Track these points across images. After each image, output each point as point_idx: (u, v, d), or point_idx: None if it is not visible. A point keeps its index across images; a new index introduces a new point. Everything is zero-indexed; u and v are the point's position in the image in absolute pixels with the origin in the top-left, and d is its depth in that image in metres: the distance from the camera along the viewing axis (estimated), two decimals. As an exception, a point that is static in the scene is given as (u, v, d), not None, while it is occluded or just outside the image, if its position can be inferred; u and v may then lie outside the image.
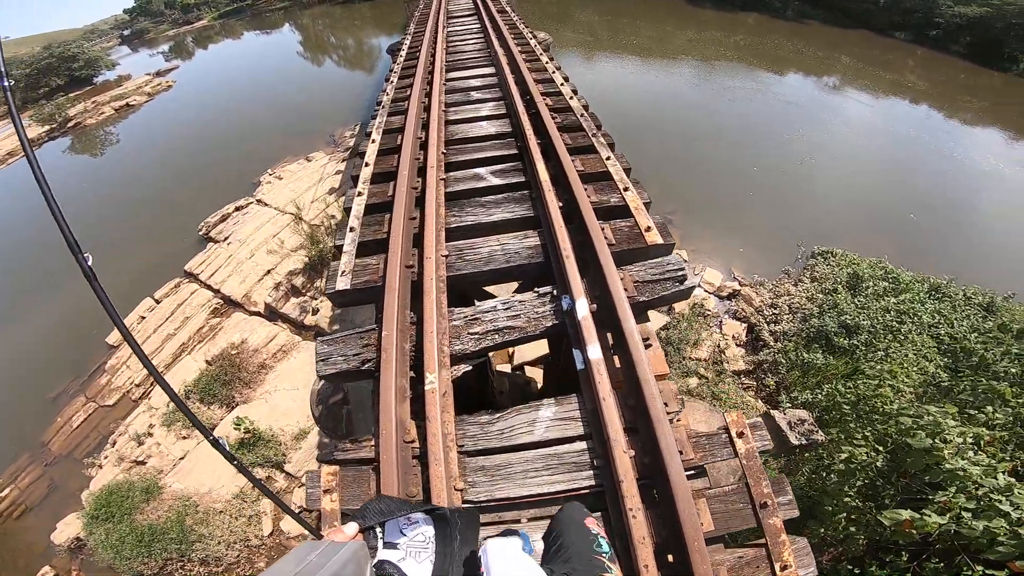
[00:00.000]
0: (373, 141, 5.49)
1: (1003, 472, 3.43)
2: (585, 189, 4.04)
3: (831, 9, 28.05)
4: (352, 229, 3.95)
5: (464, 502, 2.51)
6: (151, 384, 9.26)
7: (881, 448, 4.30)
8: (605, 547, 1.70)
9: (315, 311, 9.72)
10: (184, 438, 8.02)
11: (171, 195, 15.99)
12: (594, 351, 2.75)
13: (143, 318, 10.76)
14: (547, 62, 7.90)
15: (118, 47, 49.56)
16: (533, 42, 9.35)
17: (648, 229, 3.60)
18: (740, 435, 2.52)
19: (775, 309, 9.10)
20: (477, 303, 3.35)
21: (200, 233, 13.14)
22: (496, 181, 4.69)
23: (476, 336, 3.13)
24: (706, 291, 9.79)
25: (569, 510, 2.06)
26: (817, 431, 6.27)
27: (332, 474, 2.59)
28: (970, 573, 3.30)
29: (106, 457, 8.08)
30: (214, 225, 13.20)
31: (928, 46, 24.24)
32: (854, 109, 18.00)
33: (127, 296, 11.19)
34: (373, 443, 2.68)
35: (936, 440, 3.70)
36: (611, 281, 3.01)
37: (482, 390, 5.16)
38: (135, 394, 9.17)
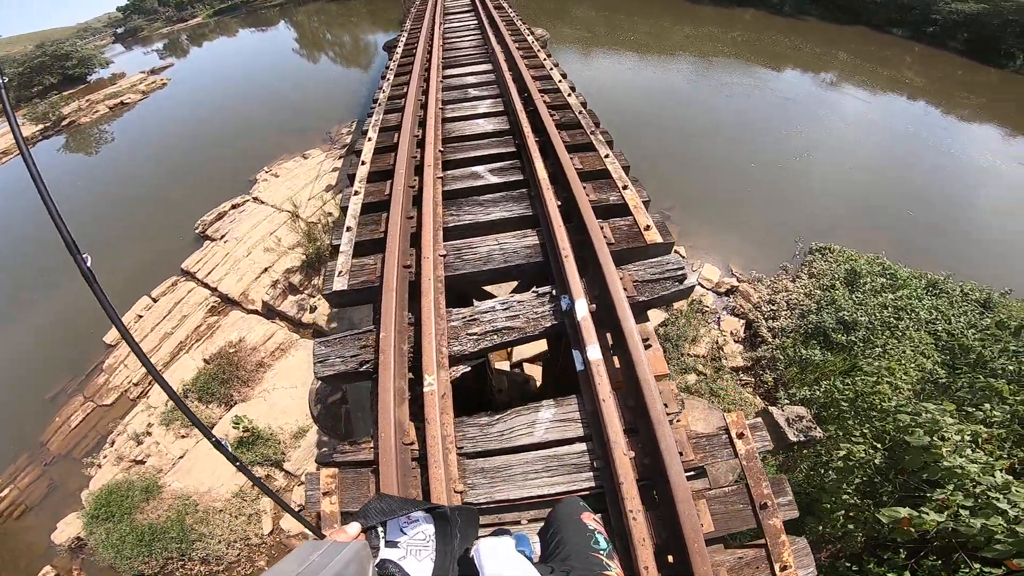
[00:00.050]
0: (369, 139, 5.45)
1: (1001, 470, 3.44)
2: (584, 187, 4.01)
3: (828, 5, 27.98)
4: (349, 229, 3.93)
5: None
6: (149, 383, 9.24)
7: (879, 445, 4.32)
8: (603, 543, 1.70)
9: (313, 309, 9.71)
10: (183, 437, 8.01)
11: (167, 193, 15.92)
12: (594, 352, 2.74)
13: (140, 317, 10.72)
14: (544, 59, 7.85)
15: (112, 45, 49.31)
16: (531, 39, 9.30)
17: (647, 228, 3.59)
18: (740, 436, 2.52)
19: (773, 305, 9.12)
20: (476, 303, 3.34)
21: (196, 231, 13.09)
22: (494, 179, 4.66)
23: (475, 337, 3.12)
24: (704, 287, 9.80)
25: (566, 506, 2.05)
26: (815, 428, 6.30)
27: (331, 476, 2.58)
28: (967, 571, 3.33)
29: (105, 456, 8.07)
30: (211, 223, 13.15)
31: (925, 42, 24.23)
32: (851, 105, 17.99)
33: (124, 295, 11.15)
34: (372, 445, 2.67)
35: (934, 438, 3.71)
36: (610, 281, 3.00)
37: (481, 389, 5.16)
38: (133, 393, 9.16)
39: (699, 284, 9.83)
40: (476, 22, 11.99)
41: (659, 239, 3.50)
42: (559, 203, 3.89)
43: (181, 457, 7.71)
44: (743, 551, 2.32)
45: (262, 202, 13.49)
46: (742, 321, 9.05)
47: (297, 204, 12.37)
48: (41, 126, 23.58)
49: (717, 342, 8.54)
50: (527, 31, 10.24)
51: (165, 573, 6.59)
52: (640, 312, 3.14)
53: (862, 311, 7.98)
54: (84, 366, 10.04)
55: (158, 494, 7.23)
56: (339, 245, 3.80)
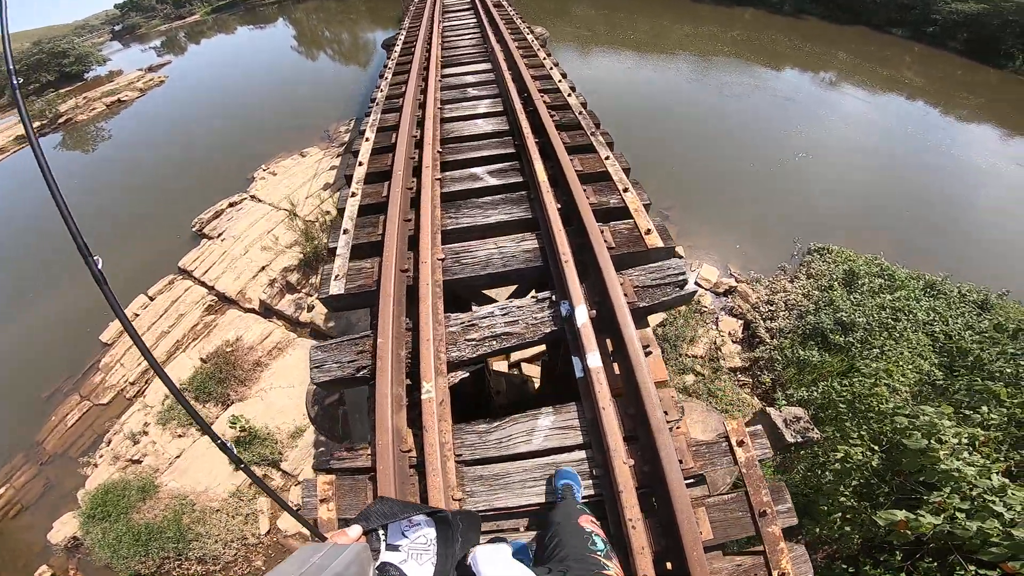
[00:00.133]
0: (367, 139, 5.41)
1: (997, 473, 3.45)
2: (584, 190, 3.98)
3: (828, 4, 27.93)
4: (346, 231, 3.89)
5: (462, 511, 2.49)
6: (146, 382, 9.22)
7: (876, 448, 4.31)
8: (600, 544, 1.71)
9: (310, 308, 9.68)
10: (180, 436, 7.98)
11: (164, 191, 15.84)
12: (593, 359, 2.73)
13: (137, 315, 10.67)
14: (544, 58, 7.82)
15: (109, 42, 49.06)
16: (530, 37, 9.28)
17: (648, 232, 3.56)
18: (740, 443, 2.51)
19: (771, 306, 9.11)
20: (474, 308, 3.32)
21: (193, 229, 13.01)
22: (493, 181, 4.62)
23: (473, 343, 3.10)
24: (703, 288, 9.79)
25: (563, 509, 2.07)
26: (812, 429, 6.33)
27: (328, 483, 2.56)
28: (963, 573, 3.32)
29: (101, 456, 8.04)
30: (208, 221, 13.08)
31: (925, 42, 24.22)
32: (851, 105, 17.98)
33: (120, 293, 10.88)
34: (369, 452, 2.65)
35: (932, 441, 3.71)
36: (611, 287, 2.98)
37: (479, 391, 5.14)
38: (130, 392, 9.12)
39: (697, 284, 9.82)
40: (475, 20, 11.95)
41: (660, 243, 3.48)
42: (559, 206, 3.86)
43: (178, 456, 7.69)
44: (741, 558, 2.32)
45: (260, 200, 13.43)
46: (740, 322, 9.04)
47: (295, 202, 12.32)
48: (38, 123, 23.39)
49: (715, 343, 8.53)
50: (526, 29, 10.21)
51: (162, 573, 6.56)
52: (640, 318, 3.13)
53: (860, 312, 7.98)
54: (80, 365, 9.99)
55: (154, 494, 7.21)
56: (336, 248, 3.77)
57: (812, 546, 4.72)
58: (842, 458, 4.37)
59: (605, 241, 3.42)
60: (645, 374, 2.57)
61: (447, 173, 4.82)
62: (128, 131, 22.65)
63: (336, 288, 3.44)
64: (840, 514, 4.25)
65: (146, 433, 8.09)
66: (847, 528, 4.17)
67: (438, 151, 5.13)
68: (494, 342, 3.10)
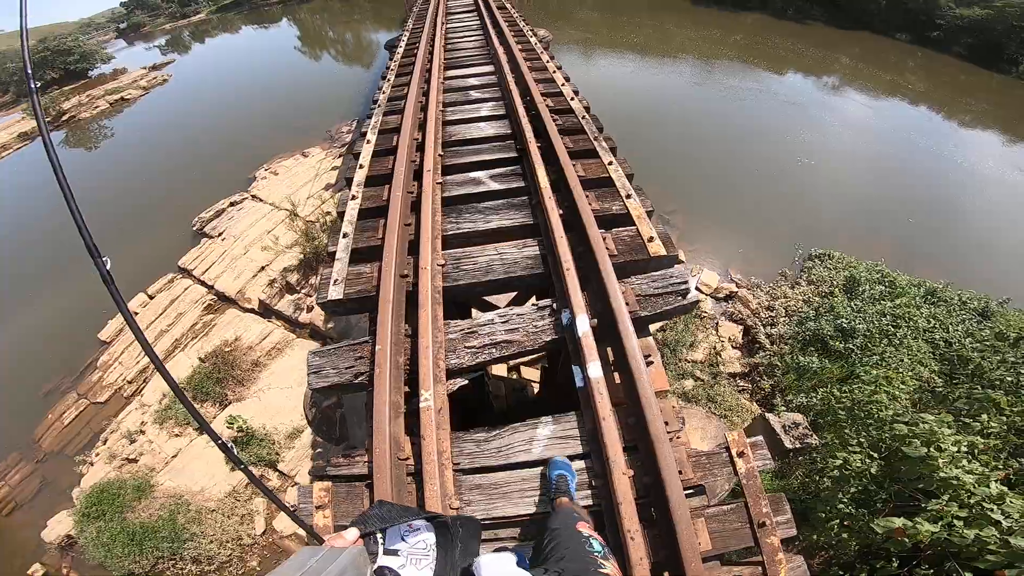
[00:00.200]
0: (368, 142, 5.38)
1: (995, 481, 3.45)
2: (586, 196, 3.94)
3: (832, 9, 27.97)
4: (345, 235, 3.85)
5: (459, 520, 2.47)
6: (144, 381, 9.20)
7: (875, 455, 4.30)
8: (597, 547, 1.72)
9: (310, 308, 9.66)
10: (176, 436, 7.96)
11: (165, 189, 15.87)
12: (594, 369, 2.70)
13: (136, 313, 10.65)
14: (547, 61, 7.80)
15: (114, 41, 49.22)
16: (534, 40, 9.27)
17: (651, 239, 3.53)
18: (741, 454, 2.49)
19: (771, 312, 9.10)
20: (474, 315, 3.30)
21: (194, 228, 13.02)
22: (495, 186, 4.59)
23: (473, 350, 3.07)
24: (703, 293, 9.77)
25: (560, 516, 2.07)
26: (811, 435, 6.33)
27: (324, 490, 2.53)
28: (959, 581, 3.31)
29: (97, 454, 8.01)
30: (208, 220, 13.08)
31: (929, 47, 24.24)
32: (854, 110, 17.99)
33: (121, 290, 11.03)
34: (366, 459, 2.63)
35: (931, 449, 3.70)
36: (613, 296, 2.95)
37: (478, 396, 5.13)
38: (127, 391, 9.10)
39: (698, 289, 9.81)
40: (479, 22, 11.94)
41: (663, 252, 3.44)
42: (561, 212, 3.83)
43: (174, 456, 7.66)
44: (739, 569, 2.30)
45: (261, 200, 13.43)
46: (740, 327, 9.02)
47: (296, 203, 12.30)
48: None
49: (715, 348, 8.51)
50: (530, 32, 10.21)
51: (155, 572, 6.55)
52: (642, 327, 3.10)
53: (860, 319, 7.97)
54: (79, 362, 9.98)
55: (150, 493, 7.19)
56: (335, 252, 3.73)
57: (809, 552, 4.71)
58: (841, 465, 4.37)
59: (607, 248, 3.38)
60: (646, 385, 2.55)
61: (448, 177, 4.79)
62: (131, 129, 22.69)
63: (335, 293, 3.41)
64: (838, 521, 4.24)
65: (143, 432, 8.07)
66: (844, 535, 4.16)
67: (439, 154, 5.10)
68: (494, 350, 3.07)
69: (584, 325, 2.90)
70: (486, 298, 4.28)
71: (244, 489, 7.21)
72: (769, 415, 6.70)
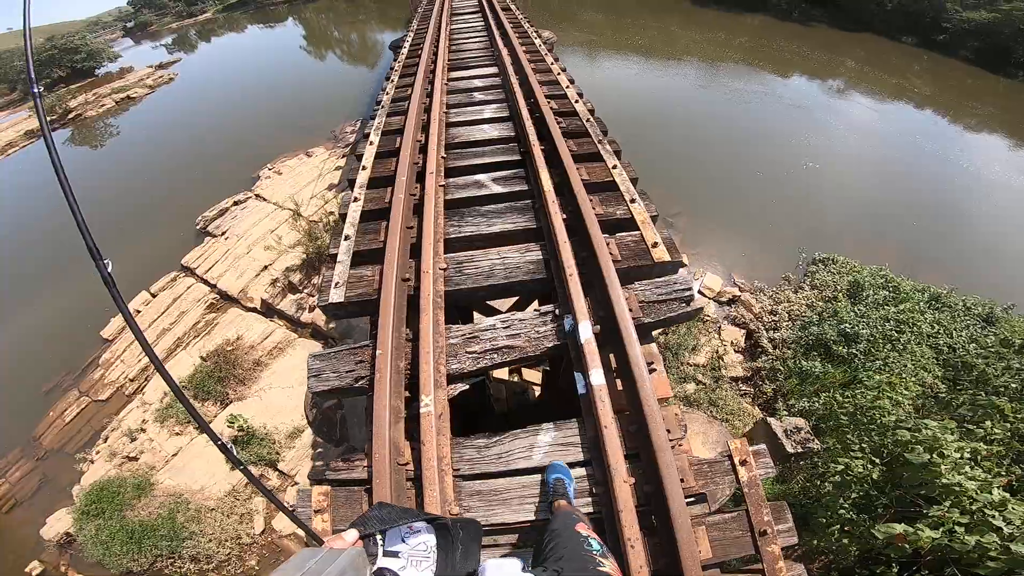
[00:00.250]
0: (371, 143, 5.36)
1: (998, 487, 3.43)
2: (590, 200, 3.92)
3: (837, 12, 27.89)
4: (347, 237, 3.83)
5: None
6: (145, 379, 9.21)
7: (877, 460, 4.27)
8: (596, 546, 1.73)
9: (312, 308, 9.66)
10: (177, 434, 7.97)
11: (169, 188, 15.90)
12: (596, 377, 2.68)
13: (139, 312, 10.68)
14: (552, 63, 7.77)
15: (121, 39, 49.43)
16: (538, 41, 9.25)
17: (655, 245, 3.50)
18: (743, 463, 2.47)
19: (775, 316, 9.06)
20: (476, 320, 3.29)
21: (197, 227, 13.05)
22: (498, 189, 4.57)
23: (474, 355, 3.05)
24: (706, 296, 9.74)
25: (559, 517, 2.09)
26: (813, 439, 6.29)
27: (323, 494, 2.52)
28: (959, 587, 3.29)
29: (98, 452, 8.02)
30: (212, 219, 13.11)
31: (935, 51, 24.11)
32: (859, 113, 17.91)
33: (123, 289, 10.91)
34: (366, 463, 2.62)
35: (933, 455, 3.68)
36: (616, 303, 2.92)
37: (479, 399, 5.12)
38: (129, 389, 9.11)
39: (700, 293, 9.77)
40: (483, 23, 11.92)
41: (667, 257, 3.42)
42: (564, 216, 3.80)
43: (175, 454, 7.67)
44: (740, 576, 2.29)
45: (264, 199, 13.44)
46: (743, 331, 8.99)
47: (299, 202, 12.31)
48: (48, 119, 23.55)
49: (717, 351, 8.48)
50: (534, 34, 10.20)
51: (154, 571, 6.55)
52: (645, 333, 3.07)
53: (864, 324, 7.93)
54: (81, 360, 10.00)
55: (150, 491, 7.19)
56: (336, 254, 3.72)
57: (808, 556, 4.68)
58: (842, 470, 4.34)
59: (611, 254, 3.36)
60: (649, 392, 2.53)
61: (451, 179, 4.77)
62: (137, 128, 22.76)
63: (336, 296, 3.40)
64: (838, 526, 4.22)
65: (144, 430, 8.08)
66: (845, 540, 4.14)
67: (443, 156, 5.09)
68: (495, 355, 3.05)
69: (587, 332, 2.87)
70: (489, 302, 4.24)
71: (244, 488, 7.21)
72: (771, 419, 6.66)
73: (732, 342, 8.74)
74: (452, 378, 2.97)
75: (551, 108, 5.70)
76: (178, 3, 53.71)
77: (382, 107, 6.54)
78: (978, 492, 3.38)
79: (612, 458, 2.41)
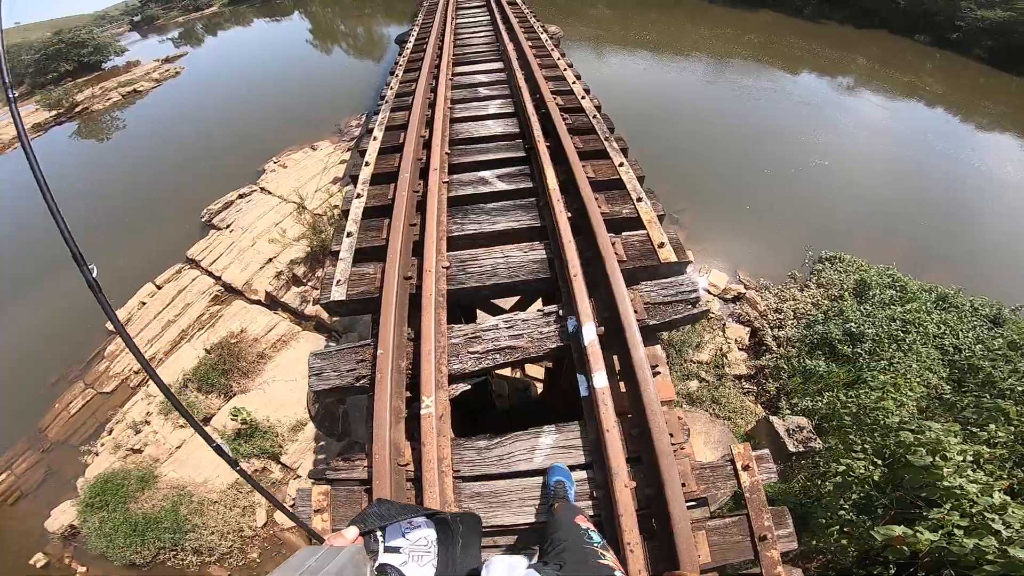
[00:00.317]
0: (375, 138, 5.33)
1: (999, 490, 3.41)
2: (596, 198, 3.86)
3: (849, 9, 27.55)
4: (349, 234, 3.81)
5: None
6: (150, 372, 9.24)
7: (879, 461, 4.25)
8: (596, 538, 1.74)
9: (316, 301, 9.68)
10: (181, 427, 8.00)
11: (175, 181, 15.94)
12: (600, 380, 2.65)
13: (143, 304, 10.75)
14: (558, 58, 7.70)
15: (128, 33, 49.49)
16: (544, 36, 9.18)
17: (662, 245, 3.46)
18: (746, 468, 2.45)
19: (779, 314, 9.01)
20: (479, 320, 3.27)
21: (203, 219, 13.07)
22: (502, 186, 4.52)
23: (476, 355, 3.03)
24: (711, 294, 9.71)
25: (561, 513, 2.08)
26: (815, 439, 6.27)
27: (323, 493, 2.52)
28: (956, 590, 3.28)
29: (103, 445, 8.07)
30: (217, 212, 13.13)
31: (948, 49, 23.77)
32: (870, 111, 17.70)
33: (129, 281, 11.22)
34: (366, 463, 2.61)
35: (936, 458, 3.66)
36: (621, 304, 2.89)
37: (481, 395, 5.11)
38: (134, 381, 9.16)
39: (705, 291, 9.74)
40: (488, 18, 11.86)
41: (674, 258, 3.37)
42: (569, 215, 3.76)
43: (178, 447, 7.71)
44: (737, 580, 2.28)
45: (269, 192, 13.45)
46: (747, 329, 8.96)
47: (303, 196, 12.33)
48: (55, 112, 23.77)
49: (721, 349, 8.45)
50: (540, 28, 10.12)
51: (156, 563, 6.61)
52: (650, 335, 3.04)
53: (869, 323, 7.87)
54: (87, 352, 10.05)
55: (154, 484, 7.24)
56: (339, 252, 3.69)
57: (806, 556, 4.67)
58: (844, 471, 4.31)
59: (616, 254, 3.32)
60: (652, 396, 2.50)
61: (455, 176, 4.74)
62: (143, 121, 22.80)
63: (338, 294, 3.39)
64: (838, 527, 4.20)
65: (148, 423, 8.12)
66: (844, 541, 4.12)
67: (447, 152, 5.05)
68: (498, 355, 3.03)
69: (591, 334, 2.85)
70: (494, 302, 4.22)
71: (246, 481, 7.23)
72: (773, 418, 6.64)
73: (736, 340, 8.71)
74: (453, 378, 2.95)
75: (557, 104, 5.64)
76: (185, -3, 53.67)
77: (386, 102, 6.50)
78: (979, 495, 3.37)
79: (614, 462, 2.39)
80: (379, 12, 38.86)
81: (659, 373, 2.74)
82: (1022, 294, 8.83)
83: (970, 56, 22.98)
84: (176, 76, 28.55)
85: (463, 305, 3.81)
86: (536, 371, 7.30)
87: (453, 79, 7.39)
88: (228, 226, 12.41)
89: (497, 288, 3.53)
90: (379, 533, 1.27)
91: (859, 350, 7.56)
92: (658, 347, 3.03)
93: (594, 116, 5.46)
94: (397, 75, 7.65)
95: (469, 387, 2.98)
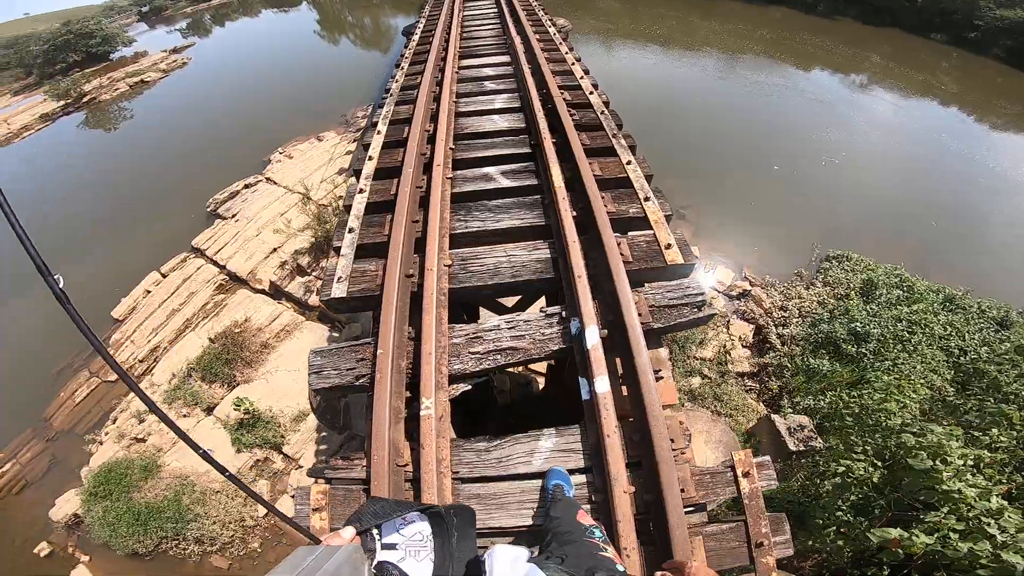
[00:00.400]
0: (379, 132, 5.28)
1: (997, 495, 3.41)
2: (602, 197, 3.79)
3: (864, 6, 27.15)
4: (351, 230, 3.77)
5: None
6: (154, 360, 9.30)
7: (879, 463, 4.23)
8: (598, 533, 1.77)
9: (319, 292, 9.69)
10: (184, 416, 8.08)
11: (181, 170, 15.97)
12: (601, 384, 2.62)
13: (149, 292, 10.80)
14: (566, 52, 7.61)
15: (136, 24, 49.39)
16: (552, 30, 9.09)
17: (668, 247, 3.40)
18: (746, 474, 2.43)
19: (784, 312, 8.97)
20: (481, 320, 3.24)
21: (208, 209, 13.13)
22: (506, 183, 4.47)
23: (477, 356, 3.00)
24: (716, 290, 9.67)
25: (561, 506, 2.13)
26: (816, 438, 6.25)
27: (322, 492, 2.51)
28: (947, 593, 3.27)
29: (107, 433, 8.14)
30: (222, 202, 13.17)
31: (964, 48, 23.41)
32: (883, 109, 17.49)
33: (134, 269, 11.31)
34: (365, 462, 2.60)
35: (936, 462, 3.64)
36: (625, 307, 2.84)
37: (483, 391, 5.10)
38: (138, 369, 9.20)
39: (712, 288, 9.70)
40: (496, 10, 11.75)
41: (680, 260, 3.32)
42: (575, 214, 3.70)
43: (181, 436, 7.74)
44: (733, 587, 2.28)
45: (274, 183, 13.48)
46: (752, 326, 8.93)
47: (309, 187, 12.34)
48: (63, 103, 23.82)
49: (725, 346, 8.43)
50: (548, 21, 10.02)
51: (159, 552, 6.67)
52: (654, 338, 3.00)
53: (875, 323, 7.83)
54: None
55: (157, 473, 7.30)
56: (340, 247, 3.66)
57: (802, 555, 4.67)
58: (844, 472, 4.30)
59: (622, 255, 3.27)
60: (654, 401, 2.48)
61: (459, 172, 4.69)
62: (150, 111, 22.82)
63: (339, 291, 3.35)
64: (835, 528, 4.20)
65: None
66: (840, 542, 4.12)
67: (451, 147, 4.99)
68: (499, 356, 3.00)
69: (594, 337, 2.80)
70: (498, 300, 4.19)
71: (248, 471, 7.30)
72: (775, 416, 6.62)
73: (740, 337, 8.68)
74: (454, 378, 2.93)
75: (564, 99, 5.56)
76: (193, -13, 53.43)
77: (391, 95, 6.44)
78: (977, 499, 3.36)
79: (613, 467, 2.38)
80: (387, 3, 38.74)
81: (662, 378, 2.71)
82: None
83: (987, 55, 22.64)
84: (183, 67, 28.52)
85: (466, 304, 3.78)
86: (539, 366, 7.29)
87: (459, 72, 7.31)
88: (234, 216, 12.44)
89: (500, 288, 3.49)
90: (375, 531, 1.27)
91: (864, 350, 7.53)
92: (662, 350, 2.99)
93: (602, 112, 5.38)
94: (402, 68, 7.60)
95: (470, 387, 2.96)
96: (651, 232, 3.59)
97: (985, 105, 18.27)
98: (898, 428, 4.39)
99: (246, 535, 6.81)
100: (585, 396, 2.72)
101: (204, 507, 6.86)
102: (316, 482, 2.61)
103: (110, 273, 11.64)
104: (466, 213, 4.09)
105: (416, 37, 9.49)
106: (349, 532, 1.21)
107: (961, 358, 7.31)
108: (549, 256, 3.58)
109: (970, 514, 3.36)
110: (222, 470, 1.58)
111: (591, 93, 5.92)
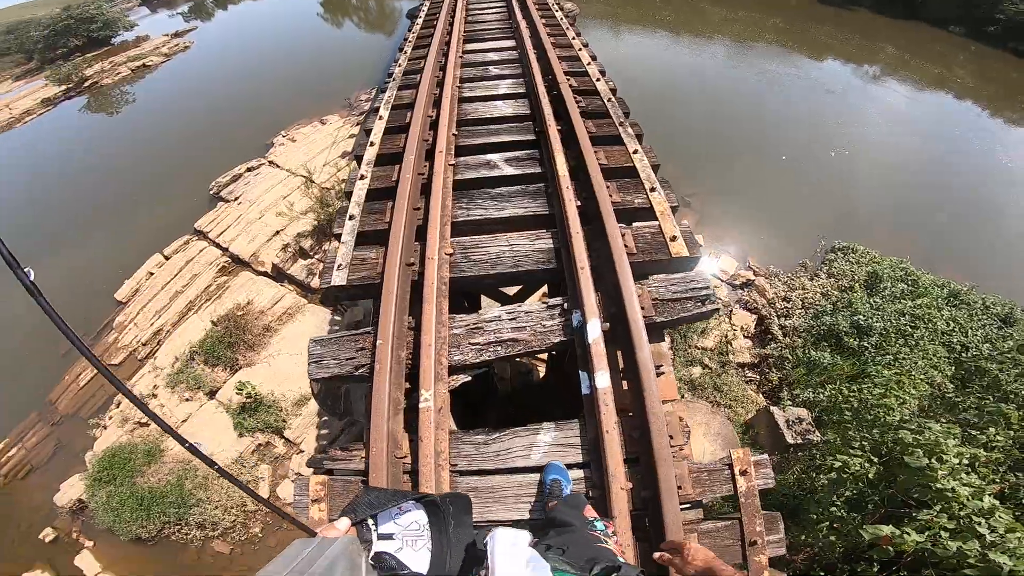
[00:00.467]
0: (381, 118, 5.21)
1: (990, 495, 3.39)
2: (607, 186, 3.74)
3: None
4: (352, 217, 3.73)
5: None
6: (157, 343, 9.33)
7: (875, 459, 4.23)
8: (600, 526, 1.80)
9: (320, 277, 9.68)
10: (187, 400, 8.11)
11: (184, 153, 15.85)
12: (602, 380, 2.60)
13: (151, 274, 10.81)
14: (573, 37, 7.48)
15: (137, 8, 48.74)
16: (559, 14, 8.91)
17: (674, 239, 3.35)
18: (743, 473, 2.42)
19: (787, 303, 8.93)
20: (482, 309, 3.22)
21: (211, 192, 13.07)
22: (510, 171, 4.40)
23: (477, 347, 2.98)
24: (720, 279, 9.63)
25: (568, 501, 2.17)
26: (814, 431, 6.26)
27: (321, 484, 2.51)
28: (933, 591, 3.29)
29: (111, 418, 8.17)
30: (225, 185, 13.11)
31: (983, 42, 22.83)
32: (896, 101, 17.16)
33: (137, 251, 11.32)
34: (363, 454, 2.59)
35: (932, 460, 3.63)
36: (628, 301, 2.80)
37: (483, 380, 5.09)
38: (141, 353, 9.24)
39: (715, 276, 9.65)
40: (502, -9, 11.60)
41: (686, 252, 3.27)
42: (579, 204, 3.64)
43: (184, 420, 7.80)
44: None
45: (277, 166, 13.40)
46: (754, 316, 8.89)
47: (311, 170, 12.29)
48: (64, 87, 23.67)
49: (726, 336, 8.41)
50: (555, 5, 9.86)
51: (161, 536, 6.72)
52: (657, 332, 2.97)
53: (878, 316, 7.80)
54: (96, 322, 10.12)
55: (160, 458, 7.35)
56: (340, 234, 3.62)
57: (794, 548, 4.70)
58: (840, 467, 4.30)
59: (626, 246, 3.22)
60: (654, 398, 2.46)
61: (461, 159, 4.62)
62: (152, 95, 22.63)
63: (339, 279, 3.32)
64: (828, 524, 4.21)
65: (155, 395, 8.21)
66: (832, 538, 4.13)
67: (454, 133, 4.92)
68: (499, 348, 2.97)
69: (595, 331, 2.78)
70: (501, 290, 4.16)
71: (251, 456, 7.35)
72: (774, 408, 6.63)
73: (742, 327, 8.66)
74: (454, 369, 2.91)
75: (570, 86, 5.47)
76: (195, -30, 52.67)
77: (393, 79, 6.35)
78: (969, 498, 3.35)
79: (611, 463, 2.38)
80: (393, -17, 38.16)
81: (663, 373, 2.69)
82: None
83: (1006, 50, 22.11)
84: (185, 51, 28.22)
85: (467, 293, 3.76)
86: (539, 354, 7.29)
87: (463, 57, 7.19)
88: (236, 199, 12.40)
89: (501, 277, 3.46)
90: (371, 522, 1.27)
91: (865, 343, 7.51)
92: (664, 344, 2.97)
93: (609, 99, 5.29)
94: (406, 52, 7.50)
95: (469, 378, 2.95)
96: (656, 223, 3.54)
97: (1002, 100, 17.84)
98: (896, 424, 4.38)
99: (247, 520, 6.86)
100: (585, 390, 2.70)
101: (206, 492, 6.92)
102: (315, 473, 2.61)
103: (113, 256, 11.63)
104: (468, 201, 4.04)
105: (420, 20, 9.35)
106: (344, 523, 1.21)
107: (963, 355, 7.28)
108: (552, 246, 3.54)
109: (961, 513, 3.34)
110: (210, 463, 1.57)
111: (598, 80, 5.80)
